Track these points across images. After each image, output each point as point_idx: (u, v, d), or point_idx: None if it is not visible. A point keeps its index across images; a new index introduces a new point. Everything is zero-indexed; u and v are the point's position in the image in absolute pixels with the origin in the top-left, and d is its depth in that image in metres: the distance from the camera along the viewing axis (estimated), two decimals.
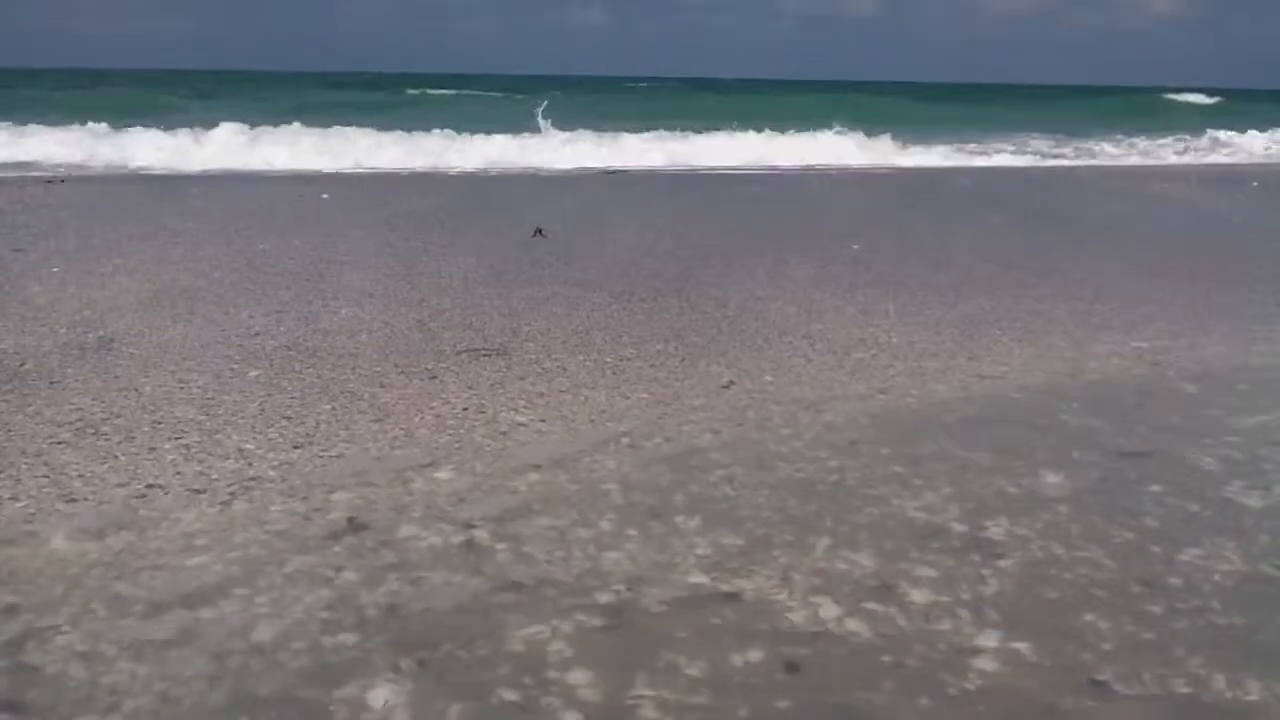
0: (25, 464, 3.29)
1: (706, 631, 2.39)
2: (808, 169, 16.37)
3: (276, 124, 17.62)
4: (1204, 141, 23.65)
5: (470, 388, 4.16)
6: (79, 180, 11.91)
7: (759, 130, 19.20)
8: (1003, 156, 19.63)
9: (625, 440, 3.62)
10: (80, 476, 3.20)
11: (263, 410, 3.85)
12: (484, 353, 3.67)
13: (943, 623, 2.45)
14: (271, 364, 4.45)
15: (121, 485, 3.14)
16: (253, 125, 17.21)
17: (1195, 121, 27.46)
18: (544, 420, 3.81)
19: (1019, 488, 3.27)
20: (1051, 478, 3.36)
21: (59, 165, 13.90)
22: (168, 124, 16.95)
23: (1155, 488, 3.30)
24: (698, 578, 2.64)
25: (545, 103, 19.76)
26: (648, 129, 19.45)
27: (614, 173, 14.64)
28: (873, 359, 4.74)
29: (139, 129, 16.57)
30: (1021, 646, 2.35)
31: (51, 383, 4.11)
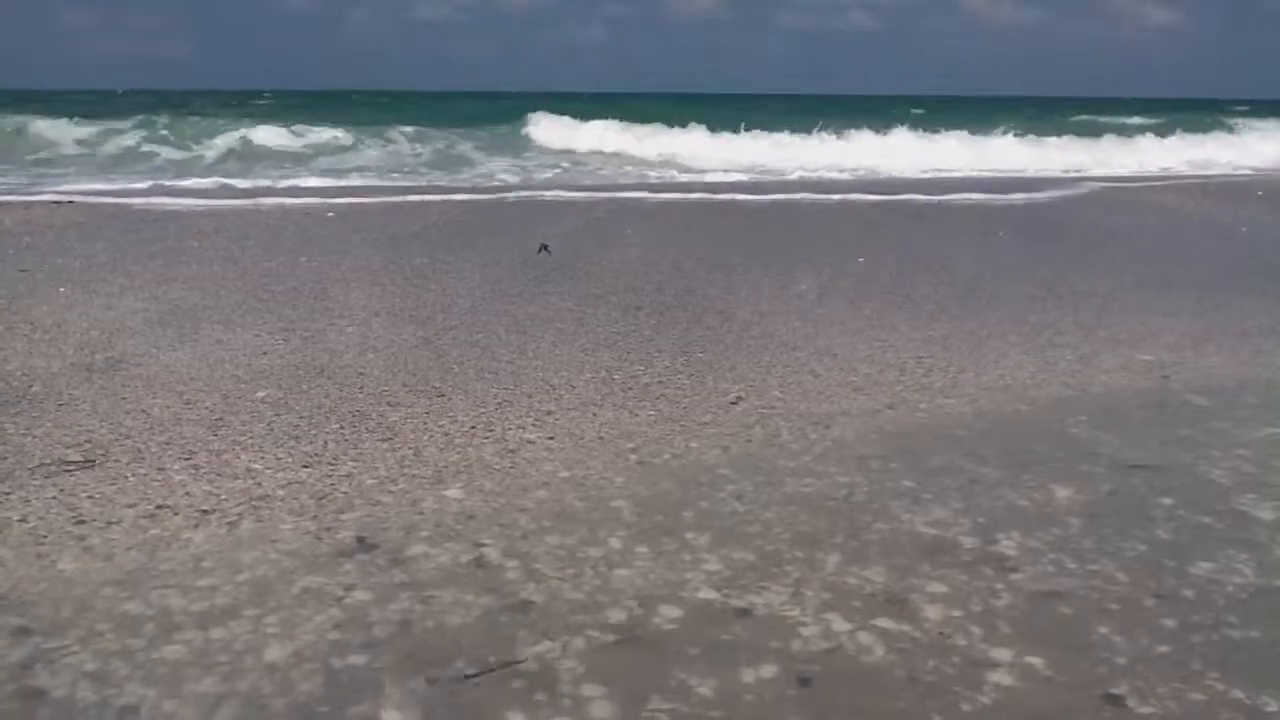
0: (34, 485, 3.29)
1: (718, 648, 2.39)
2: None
3: None
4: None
5: (478, 406, 4.16)
6: (84, 201, 11.93)
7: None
8: None
9: (634, 457, 3.62)
10: (89, 498, 3.20)
11: (271, 430, 3.85)
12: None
13: (955, 638, 2.44)
14: (279, 383, 4.45)
15: (130, 506, 3.14)
16: None
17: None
18: (552, 438, 3.80)
19: (1029, 501, 3.26)
20: (1062, 491, 3.35)
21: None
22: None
23: (1166, 500, 3.29)
24: (708, 594, 2.63)
25: None
26: None
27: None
28: (880, 374, 4.73)
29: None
30: (1035, 661, 2.34)
31: (60, 404, 4.12)
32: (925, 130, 23.01)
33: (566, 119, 25.45)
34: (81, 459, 3.45)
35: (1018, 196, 13.11)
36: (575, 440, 3.78)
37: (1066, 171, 18.85)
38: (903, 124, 22.84)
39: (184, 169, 17.44)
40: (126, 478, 3.37)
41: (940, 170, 18.46)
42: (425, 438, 3.79)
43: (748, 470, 3.50)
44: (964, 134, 22.84)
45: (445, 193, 13.17)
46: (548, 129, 24.75)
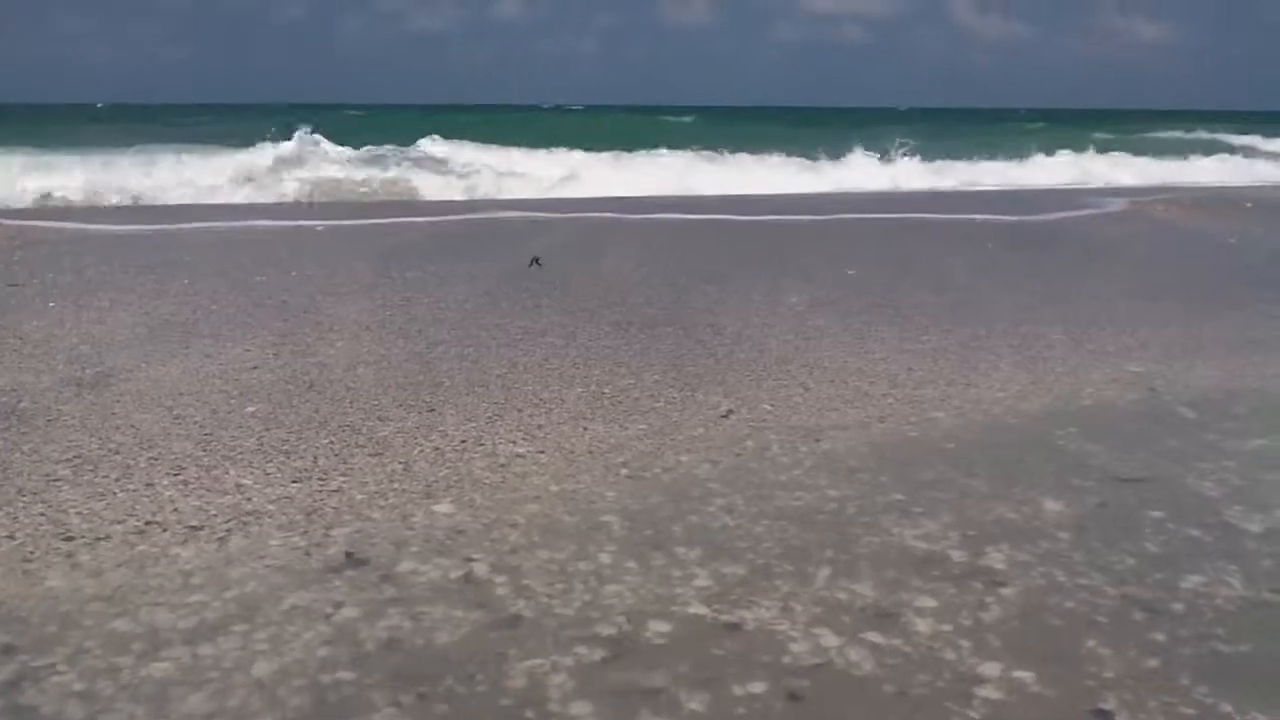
0: (22, 502, 3.28)
1: (708, 663, 2.38)
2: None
3: None
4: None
5: (469, 420, 4.15)
6: (74, 213, 11.92)
7: None
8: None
9: (624, 471, 3.62)
10: (78, 514, 3.19)
11: (260, 445, 3.84)
12: None
13: (945, 652, 2.44)
14: (269, 398, 4.44)
15: (119, 522, 3.13)
16: None
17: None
18: (543, 452, 3.80)
19: (1019, 514, 3.27)
20: (1051, 504, 3.35)
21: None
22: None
23: (1155, 513, 3.29)
24: (698, 609, 2.63)
25: None
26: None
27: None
28: (871, 387, 4.74)
29: None
30: (1024, 675, 2.34)
31: (48, 420, 4.10)
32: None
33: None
34: None
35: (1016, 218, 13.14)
36: (565, 454, 3.78)
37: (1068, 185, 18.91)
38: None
39: None
40: (115, 493, 3.36)
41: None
42: (415, 452, 3.78)
43: (738, 484, 3.50)
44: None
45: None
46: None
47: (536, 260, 8.07)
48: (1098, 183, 20.01)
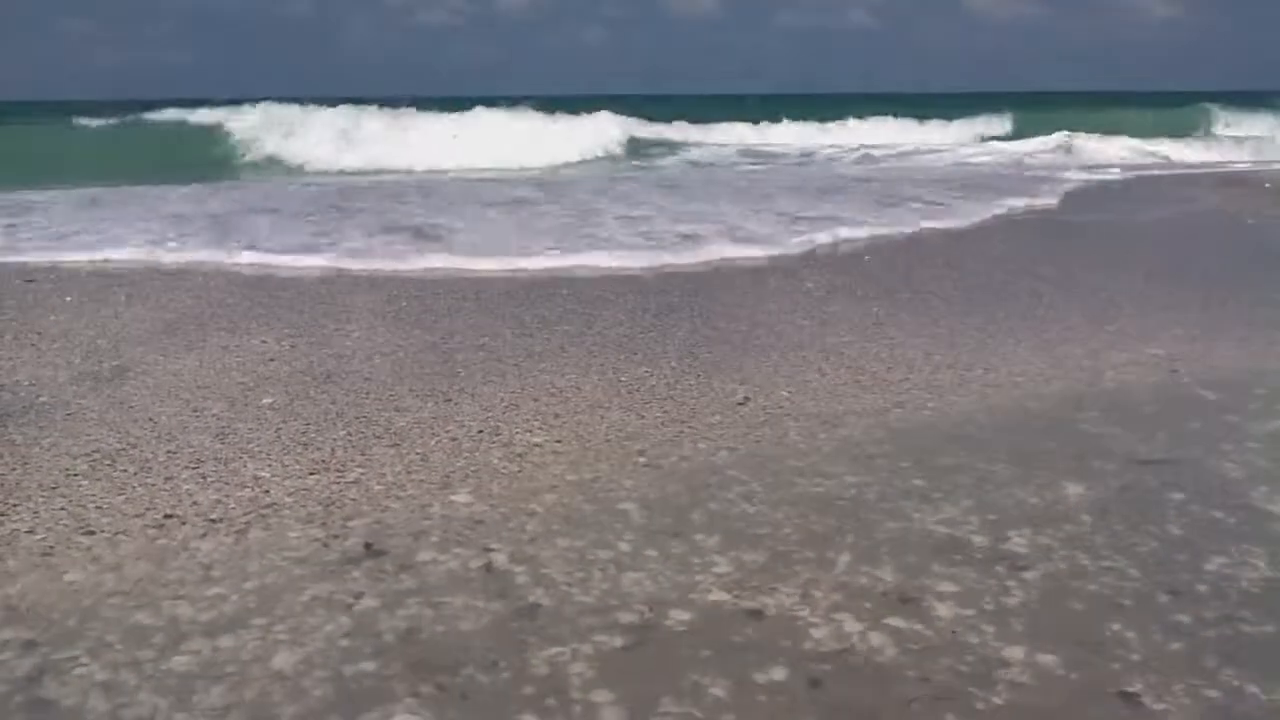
0: (42, 496, 3.29)
1: (729, 650, 2.37)
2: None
3: None
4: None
5: (485, 410, 4.15)
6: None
7: None
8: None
9: (642, 459, 3.61)
10: (97, 508, 3.20)
11: (278, 437, 3.84)
12: None
13: (968, 637, 2.42)
14: (286, 390, 4.44)
15: (138, 516, 3.14)
16: None
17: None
18: (560, 441, 3.79)
19: (1040, 498, 3.24)
20: (1073, 487, 3.33)
21: None
22: None
23: (1178, 495, 3.27)
24: (719, 596, 2.62)
25: None
26: None
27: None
28: (888, 372, 4.71)
29: None
30: (1048, 659, 2.33)
31: (67, 414, 4.11)
32: None
33: None
34: None
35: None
36: (583, 443, 3.77)
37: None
38: None
39: None
40: (134, 487, 3.37)
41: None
42: (433, 442, 3.78)
43: (756, 471, 3.48)
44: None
45: None
46: None
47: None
48: (1107, 164, 19.85)
